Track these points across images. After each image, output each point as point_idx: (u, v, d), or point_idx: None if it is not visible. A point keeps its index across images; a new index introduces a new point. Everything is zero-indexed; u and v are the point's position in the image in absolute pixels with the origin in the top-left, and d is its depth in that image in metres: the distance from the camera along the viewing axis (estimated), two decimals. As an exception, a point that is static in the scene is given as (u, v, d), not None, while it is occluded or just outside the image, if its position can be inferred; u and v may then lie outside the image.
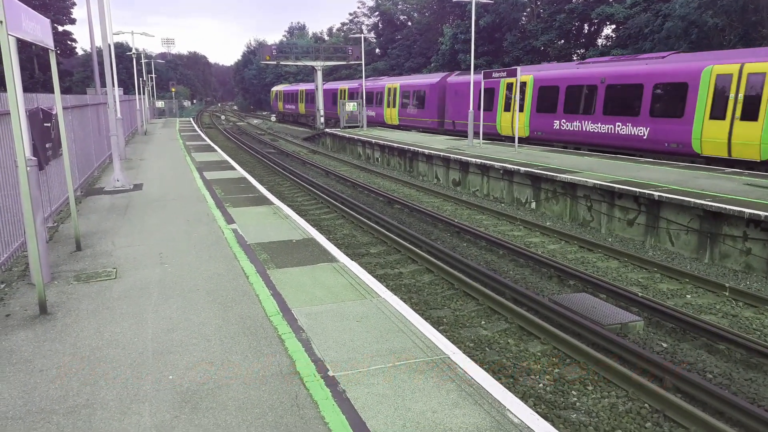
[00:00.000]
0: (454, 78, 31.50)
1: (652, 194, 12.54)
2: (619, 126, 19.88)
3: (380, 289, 6.95)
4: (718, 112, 16.75)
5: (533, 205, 16.70)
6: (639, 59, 20.74)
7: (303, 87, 58.55)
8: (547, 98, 23.47)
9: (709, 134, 17.00)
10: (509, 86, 25.36)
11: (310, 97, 53.65)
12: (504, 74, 23.20)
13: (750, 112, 15.84)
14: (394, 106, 37.47)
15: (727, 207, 11.03)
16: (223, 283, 7.17)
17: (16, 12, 6.23)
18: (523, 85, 24.56)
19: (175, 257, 8.34)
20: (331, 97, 48.71)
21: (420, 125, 34.15)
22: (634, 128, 19.34)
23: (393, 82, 38.44)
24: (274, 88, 76.29)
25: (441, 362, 5.06)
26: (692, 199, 11.75)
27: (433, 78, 34.17)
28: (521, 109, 24.64)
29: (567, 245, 12.72)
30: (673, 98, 18.00)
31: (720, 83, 16.71)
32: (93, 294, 6.82)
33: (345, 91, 45.88)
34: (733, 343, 7.40)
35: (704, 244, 11.67)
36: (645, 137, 18.99)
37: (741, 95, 16.02)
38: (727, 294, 9.47)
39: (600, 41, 44.15)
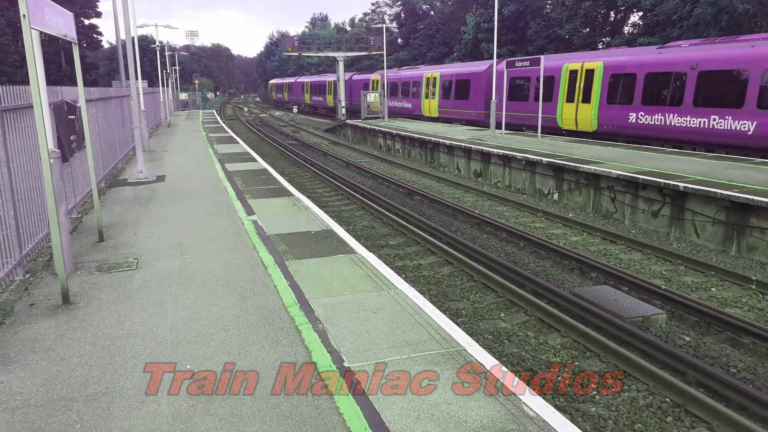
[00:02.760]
0: (357, 75, 49.56)
1: (678, 185, 12.29)
2: (405, 104, 37.10)
3: (397, 281, 6.94)
4: (433, 95, 32.75)
5: (555, 196, 16.51)
6: (453, 67, 35.34)
7: (287, 80, 79.34)
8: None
9: (426, 107, 32.59)
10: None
11: (289, 87, 74.91)
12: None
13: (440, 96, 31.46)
14: (330, 93, 53.60)
15: (755, 198, 10.76)
16: (242, 274, 7.23)
17: (39, 6, 6.31)
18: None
19: (196, 248, 8.43)
20: (301, 88, 66.25)
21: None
22: (408, 103, 36.27)
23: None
24: (271, 82, 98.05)
25: (457, 354, 5.03)
26: (719, 190, 11.48)
27: (347, 75, 51.28)
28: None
29: (589, 237, 12.55)
30: (417, 89, 34.82)
31: (429, 83, 33.12)
32: (114, 284, 6.94)
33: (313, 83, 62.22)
34: (759, 338, 7.24)
35: (731, 236, 11.41)
36: (410, 107, 35.96)
37: (432, 89, 30.01)
38: (753, 287, 9.26)
39: (627, 29, 43.19)
